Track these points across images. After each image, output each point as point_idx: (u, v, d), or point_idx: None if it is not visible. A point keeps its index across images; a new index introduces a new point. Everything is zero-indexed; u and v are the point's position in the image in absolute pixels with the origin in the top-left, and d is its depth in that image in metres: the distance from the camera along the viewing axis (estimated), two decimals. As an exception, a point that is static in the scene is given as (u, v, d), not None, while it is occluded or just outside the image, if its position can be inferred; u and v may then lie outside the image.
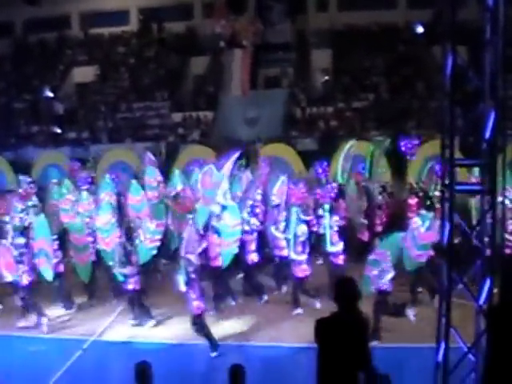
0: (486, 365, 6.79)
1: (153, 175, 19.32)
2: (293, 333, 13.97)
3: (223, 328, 14.53)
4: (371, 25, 35.92)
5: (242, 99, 33.58)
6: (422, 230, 14.99)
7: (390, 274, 13.56)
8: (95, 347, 13.88)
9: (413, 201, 18.72)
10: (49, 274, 15.50)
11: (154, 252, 16.19)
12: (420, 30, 34.19)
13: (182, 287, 13.32)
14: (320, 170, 20.36)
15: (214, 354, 13.09)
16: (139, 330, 14.65)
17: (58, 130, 34.41)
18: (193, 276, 13.24)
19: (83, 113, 35.37)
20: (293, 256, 15.28)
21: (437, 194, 17.43)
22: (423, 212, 15.73)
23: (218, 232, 15.65)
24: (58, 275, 15.72)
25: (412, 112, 31.09)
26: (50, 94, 36.01)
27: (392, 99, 32.26)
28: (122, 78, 37.07)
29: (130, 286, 14.56)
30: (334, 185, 18.04)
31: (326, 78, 35.06)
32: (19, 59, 36.49)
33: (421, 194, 18.71)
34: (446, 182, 8.15)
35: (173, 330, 14.63)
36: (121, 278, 14.76)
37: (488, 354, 6.72)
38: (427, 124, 29.39)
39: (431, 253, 14.90)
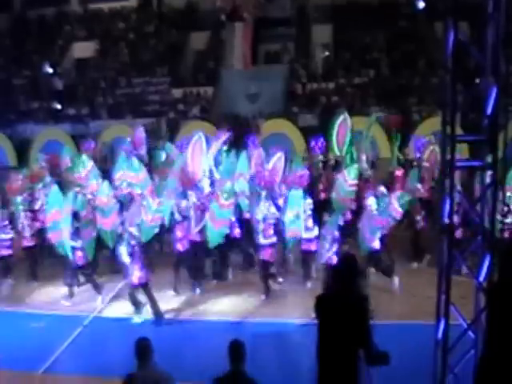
0: (485, 342, 6.80)
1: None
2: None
3: (223, 304, 14.77)
4: (372, 0, 35.67)
5: (243, 74, 33.48)
6: (375, 212, 14.83)
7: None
8: (95, 323, 14.03)
9: (399, 172, 19.02)
10: (67, 247, 15.43)
11: (156, 230, 16.20)
12: (421, 5, 33.97)
13: (126, 259, 13.77)
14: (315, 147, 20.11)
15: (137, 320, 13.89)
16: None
17: (58, 106, 34.36)
18: (136, 248, 13.70)
19: (83, 89, 35.23)
20: (261, 240, 15.06)
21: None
22: (381, 190, 15.48)
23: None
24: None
25: (413, 88, 30.97)
26: (50, 70, 35.87)
27: (393, 75, 32.13)
28: (121, 54, 36.85)
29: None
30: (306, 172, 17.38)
31: (327, 53, 34.91)
32: (18, 35, 36.31)
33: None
34: (447, 158, 8.09)
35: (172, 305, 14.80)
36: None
37: (487, 332, 6.73)
38: (428, 100, 29.44)
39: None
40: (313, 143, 20.01)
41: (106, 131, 29.66)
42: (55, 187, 16.08)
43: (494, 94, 7.77)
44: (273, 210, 15.24)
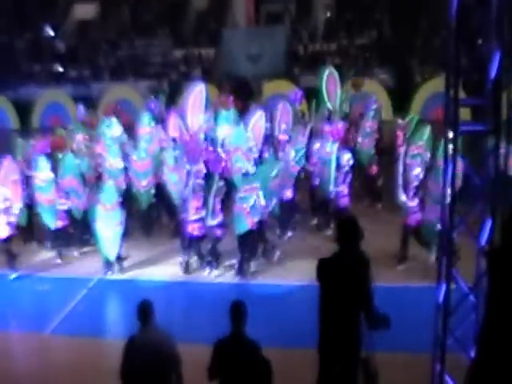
0: (486, 308, 6.85)
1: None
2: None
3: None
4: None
5: (244, 34, 33.27)
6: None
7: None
8: (100, 286, 14.22)
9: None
10: (79, 213, 15.72)
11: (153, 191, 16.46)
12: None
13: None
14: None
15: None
16: (142, 269, 14.92)
17: (60, 69, 34.28)
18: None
19: (84, 51, 35.02)
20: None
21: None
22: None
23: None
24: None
25: (415, 49, 30.90)
26: (51, 32, 35.78)
27: (395, 36, 31.89)
28: (123, 15, 36.65)
29: None
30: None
31: (329, 14, 34.64)
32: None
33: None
34: (450, 121, 8.08)
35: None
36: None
37: (488, 297, 6.77)
38: (430, 61, 29.33)
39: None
40: (292, 96, 19.72)
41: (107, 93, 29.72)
42: (69, 155, 16.08)
43: (497, 58, 7.71)
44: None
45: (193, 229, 14.31)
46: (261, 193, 13.96)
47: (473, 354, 7.76)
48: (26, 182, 16.10)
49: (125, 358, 7.86)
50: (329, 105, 19.02)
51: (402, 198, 13.80)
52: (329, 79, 19.16)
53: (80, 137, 17.95)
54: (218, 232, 14.31)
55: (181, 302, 13.71)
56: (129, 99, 28.39)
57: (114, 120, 18.01)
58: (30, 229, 16.70)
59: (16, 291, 14.27)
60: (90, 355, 11.17)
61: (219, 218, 14.34)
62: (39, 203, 15.59)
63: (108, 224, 14.34)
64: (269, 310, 12.43)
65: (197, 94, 16.94)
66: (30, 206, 16.14)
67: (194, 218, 14.24)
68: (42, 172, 15.37)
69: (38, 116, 30.71)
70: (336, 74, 19.67)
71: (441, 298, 8.53)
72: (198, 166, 14.81)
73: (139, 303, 7.96)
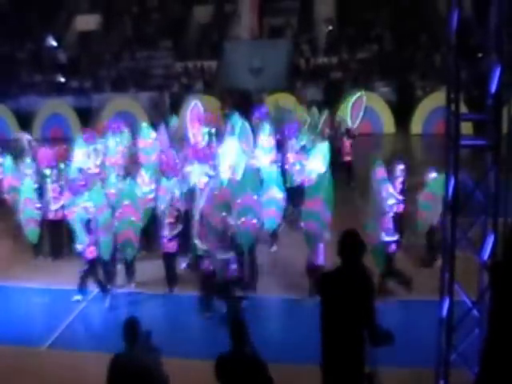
0: (489, 322, 6.76)
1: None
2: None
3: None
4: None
5: (247, 47, 33.40)
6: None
7: None
8: (99, 298, 13.94)
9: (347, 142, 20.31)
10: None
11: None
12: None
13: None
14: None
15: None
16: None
17: (62, 79, 34.45)
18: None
19: (86, 62, 35.26)
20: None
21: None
22: None
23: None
24: None
25: (416, 63, 31.09)
26: (53, 43, 35.98)
27: (396, 50, 32.16)
28: (125, 27, 36.87)
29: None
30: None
31: (330, 28, 34.78)
32: (21, 7, 36.24)
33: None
34: (451, 135, 8.07)
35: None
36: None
37: (491, 311, 6.74)
38: (431, 75, 29.52)
39: None
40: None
41: (109, 104, 29.86)
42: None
43: (497, 73, 7.73)
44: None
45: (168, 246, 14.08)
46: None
47: (477, 369, 7.58)
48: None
49: (109, 377, 7.68)
50: (349, 123, 21.00)
51: None
52: (356, 102, 21.43)
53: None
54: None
55: (180, 314, 13.54)
56: (130, 111, 28.57)
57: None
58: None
59: (13, 303, 14.14)
60: (88, 369, 11.12)
61: None
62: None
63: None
64: (271, 324, 12.38)
65: (192, 108, 17.31)
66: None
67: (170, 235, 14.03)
68: None
69: (39, 126, 30.87)
70: (364, 98, 21.73)
71: (444, 313, 8.50)
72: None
73: (125, 321, 7.73)
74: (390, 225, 13.16)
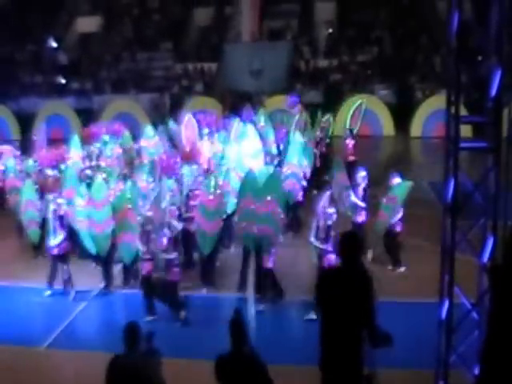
0: (489, 324, 6.77)
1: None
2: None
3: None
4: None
5: (246, 49, 33.39)
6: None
7: None
8: (100, 298, 14.01)
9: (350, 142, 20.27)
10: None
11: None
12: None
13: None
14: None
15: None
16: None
17: (62, 81, 34.60)
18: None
19: (87, 63, 35.42)
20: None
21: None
22: None
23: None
24: None
25: (416, 66, 31.29)
26: (54, 45, 36.08)
27: (396, 53, 32.36)
28: (125, 29, 37.01)
29: None
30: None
31: (330, 30, 34.91)
32: (22, 9, 36.36)
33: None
34: (451, 138, 8.06)
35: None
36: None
37: (491, 314, 6.75)
38: (430, 78, 29.67)
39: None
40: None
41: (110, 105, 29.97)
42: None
43: (498, 76, 7.74)
44: None
45: None
46: None
47: (476, 371, 7.74)
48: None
49: (107, 377, 7.69)
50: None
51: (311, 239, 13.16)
52: (357, 110, 22.13)
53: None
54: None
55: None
56: (130, 112, 28.68)
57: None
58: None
59: (12, 302, 14.06)
60: (87, 369, 11.13)
61: None
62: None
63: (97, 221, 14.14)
64: (270, 325, 12.28)
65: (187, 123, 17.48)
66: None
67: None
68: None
69: (39, 127, 30.85)
70: (364, 105, 22.35)
71: (443, 315, 8.49)
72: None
73: (126, 326, 7.75)
74: (323, 234, 12.71)
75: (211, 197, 13.74)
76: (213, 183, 13.86)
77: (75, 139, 18.17)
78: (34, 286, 14.65)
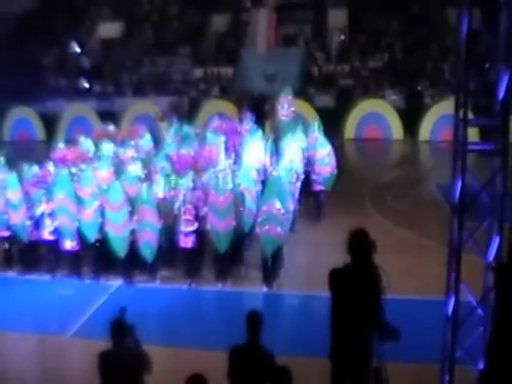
0: (494, 321, 7.10)
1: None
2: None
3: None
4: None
5: (262, 55, 34.21)
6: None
7: None
8: (121, 292, 14.54)
9: None
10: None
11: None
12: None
13: None
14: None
15: None
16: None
17: (85, 84, 35.39)
18: None
19: (109, 67, 36.23)
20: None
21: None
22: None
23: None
24: None
25: (425, 72, 31.96)
26: (78, 50, 36.92)
27: (406, 59, 32.98)
28: (146, 35, 37.77)
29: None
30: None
31: (342, 37, 35.51)
32: (47, 15, 37.12)
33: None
34: (459, 141, 8.31)
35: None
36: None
37: (496, 311, 6.99)
38: (439, 84, 30.51)
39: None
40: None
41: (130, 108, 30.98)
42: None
43: (505, 80, 7.93)
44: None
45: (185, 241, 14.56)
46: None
47: (481, 365, 8.06)
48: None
49: (100, 371, 8.02)
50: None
51: None
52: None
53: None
54: None
55: (200, 309, 14.04)
56: (150, 115, 29.59)
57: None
58: None
59: (39, 294, 14.56)
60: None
61: None
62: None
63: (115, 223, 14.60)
64: (281, 318, 12.74)
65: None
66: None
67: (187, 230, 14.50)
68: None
69: (64, 129, 32.06)
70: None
71: (450, 311, 8.67)
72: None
73: (112, 322, 7.97)
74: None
75: (221, 198, 14.26)
76: (221, 183, 14.40)
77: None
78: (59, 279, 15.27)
